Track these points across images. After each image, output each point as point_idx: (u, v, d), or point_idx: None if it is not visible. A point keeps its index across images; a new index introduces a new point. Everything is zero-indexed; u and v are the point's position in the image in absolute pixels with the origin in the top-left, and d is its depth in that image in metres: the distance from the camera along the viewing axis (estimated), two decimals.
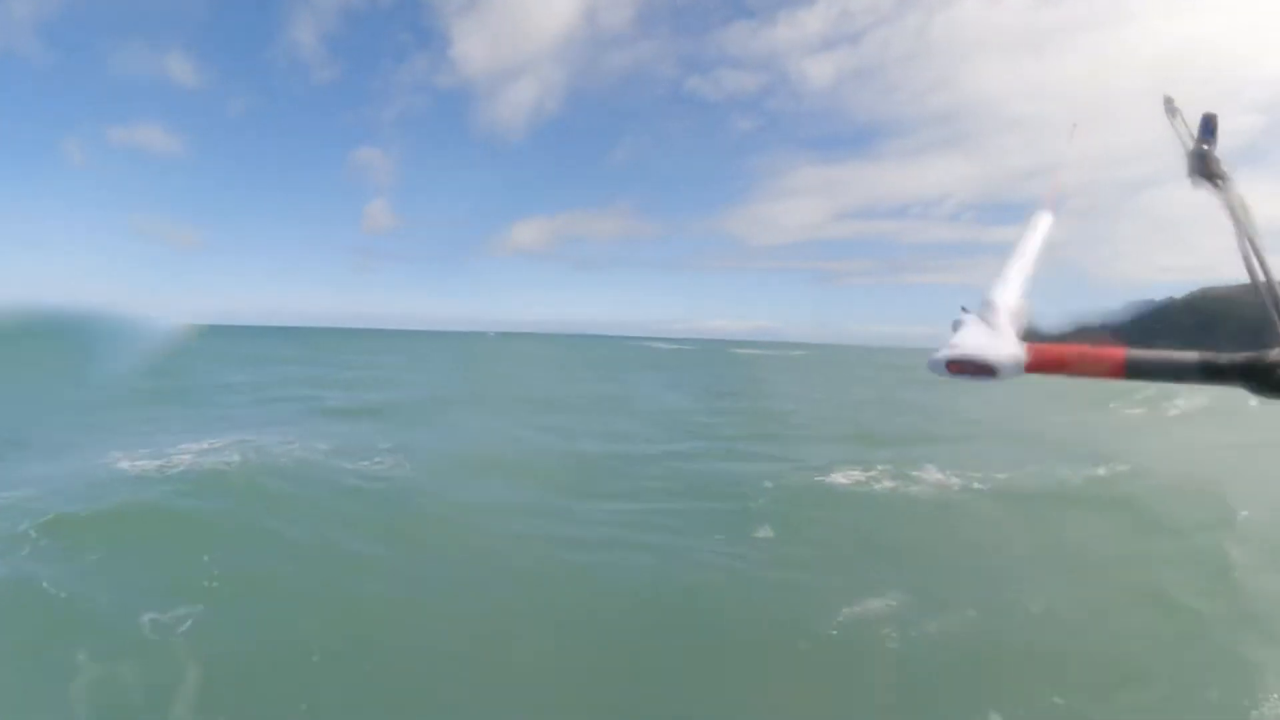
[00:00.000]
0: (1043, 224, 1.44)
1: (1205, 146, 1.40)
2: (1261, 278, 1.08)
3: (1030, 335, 1.10)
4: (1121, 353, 0.97)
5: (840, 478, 10.17)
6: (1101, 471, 10.60)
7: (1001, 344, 1.03)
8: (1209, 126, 1.42)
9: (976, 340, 1.05)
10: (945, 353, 1.04)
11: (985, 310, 1.11)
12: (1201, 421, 15.64)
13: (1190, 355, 0.93)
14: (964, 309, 1.13)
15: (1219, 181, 1.32)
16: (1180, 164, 1.41)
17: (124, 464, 9.07)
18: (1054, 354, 1.02)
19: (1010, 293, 1.16)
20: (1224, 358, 0.92)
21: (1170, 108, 1.56)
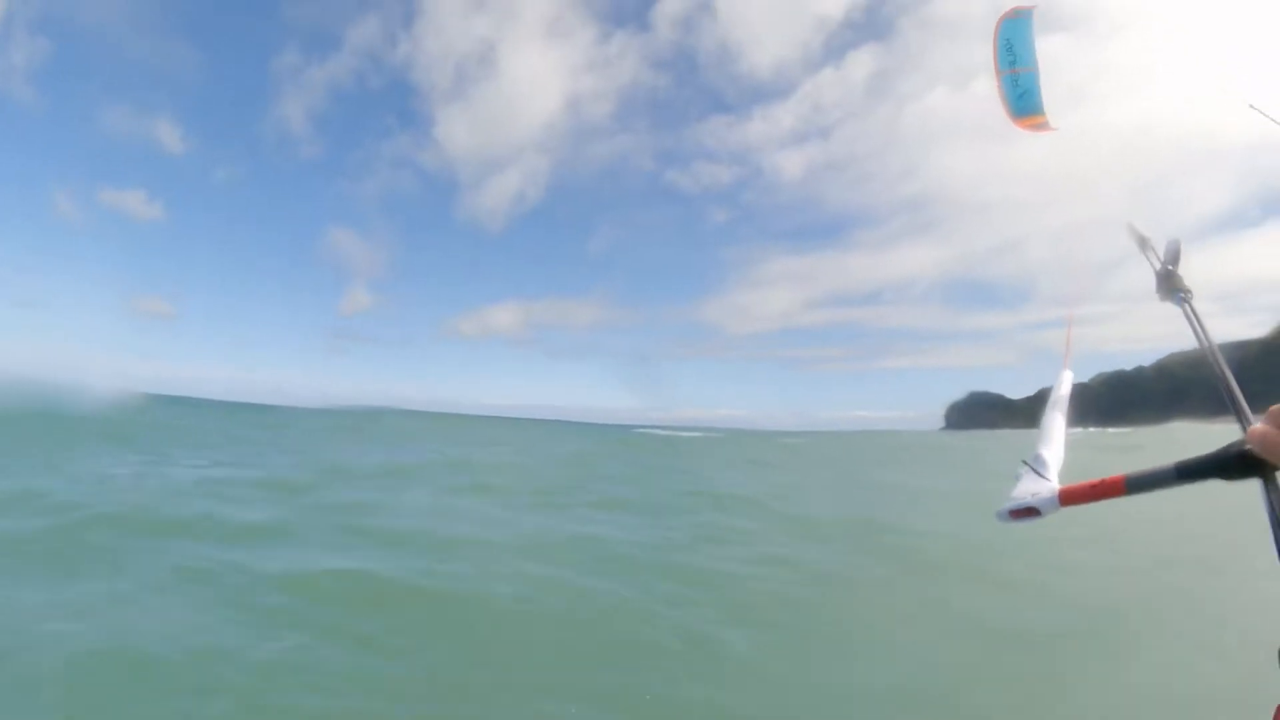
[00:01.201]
0: (1066, 381, 1.72)
1: (1171, 268, 1.67)
2: (1221, 378, 1.30)
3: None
4: (1122, 478, 1.21)
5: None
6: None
7: (1042, 490, 1.32)
8: (1173, 251, 1.70)
9: (1026, 490, 1.35)
10: (1007, 505, 1.35)
11: (1035, 462, 1.41)
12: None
13: (1169, 466, 1.15)
14: (1023, 461, 1.43)
15: (1183, 297, 1.58)
16: (1150, 282, 1.70)
17: None
18: (1078, 490, 1.26)
19: (1051, 444, 1.46)
20: (1193, 461, 1.13)
21: (1139, 237, 1.84)
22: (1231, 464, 1.09)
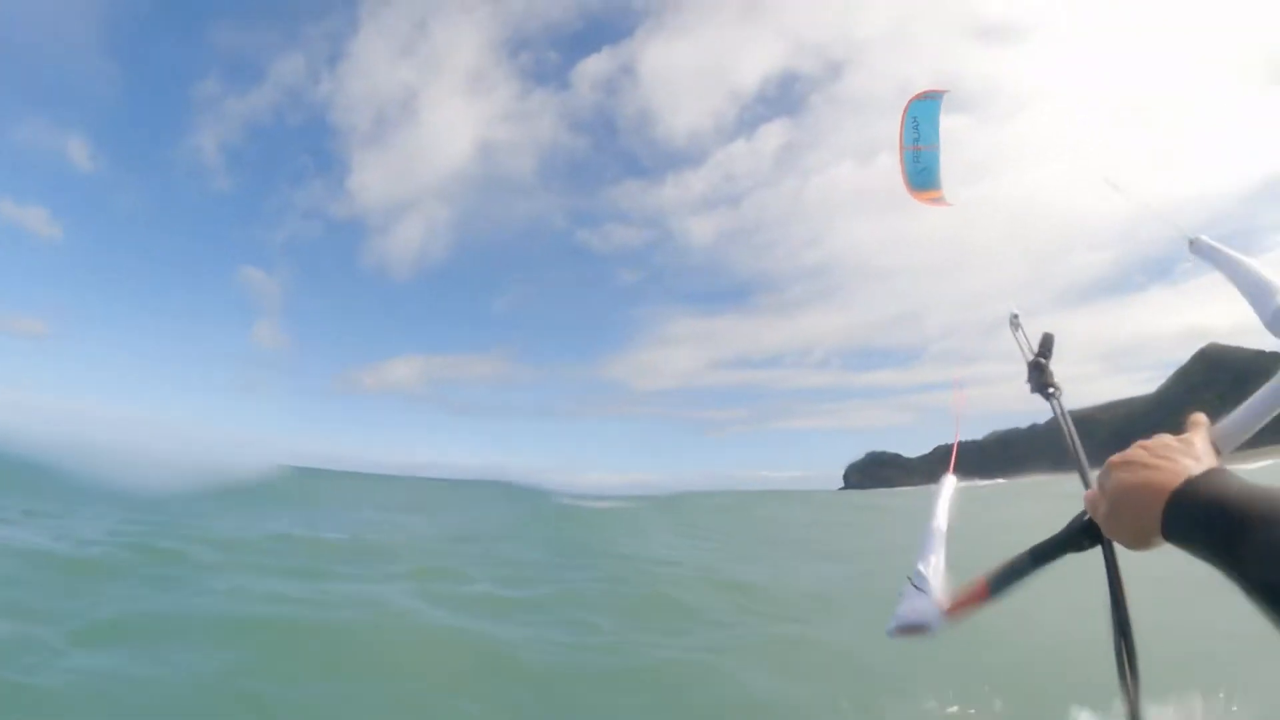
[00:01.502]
0: (948, 486, 1.64)
1: (1043, 361, 1.72)
2: (1074, 457, 1.38)
3: None
4: (983, 579, 1.23)
5: None
6: None
7: (926, 607, 1.31)
8: (1046, 345, 1.74)
9: (910, 608, 1.33)
10: (892, 624, 1.34)
11: (917, 579, 1.37)
12: None
13: (1024, 554, 1.19)
14: (909, 578, 1.39)
15: (1052, 391, 1.65)
16: (1021, 371, 1.75)
17: None
18: (957, 602, 1.28)
19: (932, 558, 1.42)
20: (1045, 543, 1.17)
21: (1015, 322, 1.88)
22: (1077, 535, 1.12)
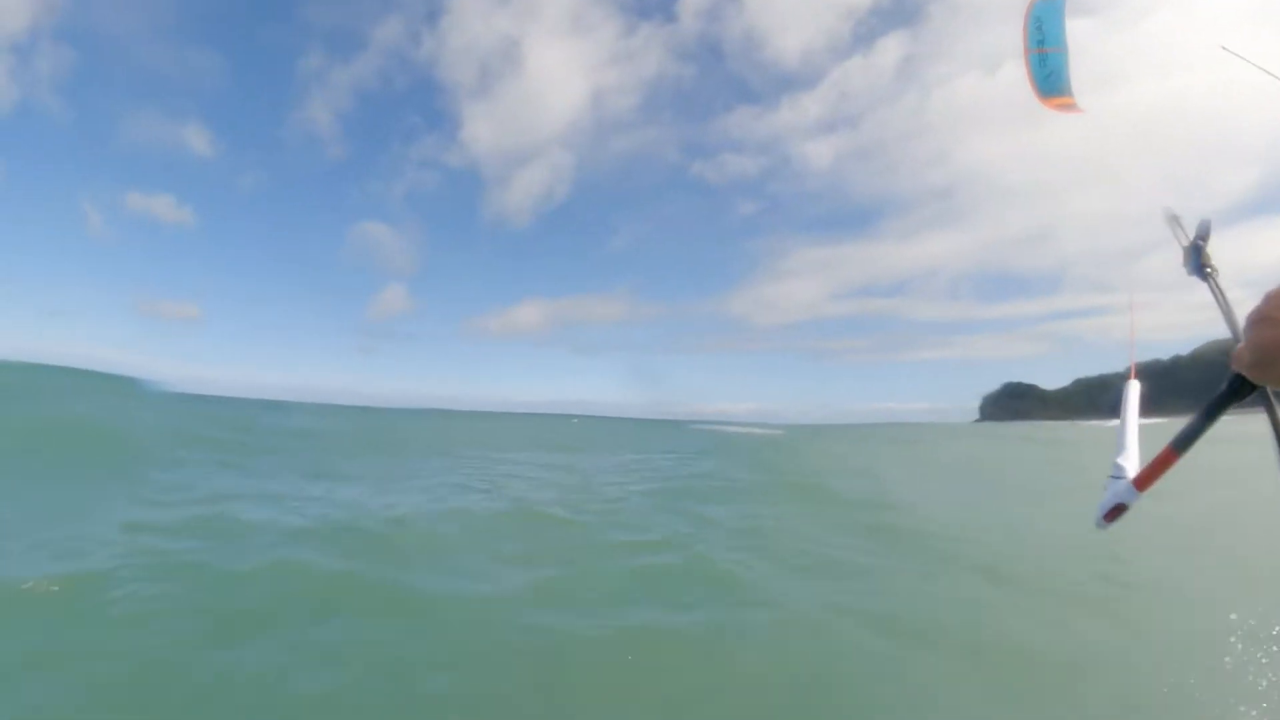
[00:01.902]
0: (1133, 393, 1.84)
1: (1200, 243, 1.75)
2: (1233, 330, 1.41)
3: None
4: (1169, 446, 1.36)
5: None
6: None
7: (1121, 488, 1.50)
8: (1204, 229, 1.78)
9: (1109, 494, 1.51)
10: (1097, 513, 1.51)
11: (1116, 471, 1.56)
12: None
13: (1197, 414, 1.32)
14: (1110, 475, 1.57)
15: (1209, 271, 1.69)
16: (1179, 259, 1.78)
17: None
18: (1146, 473, 1.44)
19: (1126, 452, 1.62)
20: (1211, 400, 1.28)
21: (1170, 216, 1.91)
22: (1235, 387, 1.22)
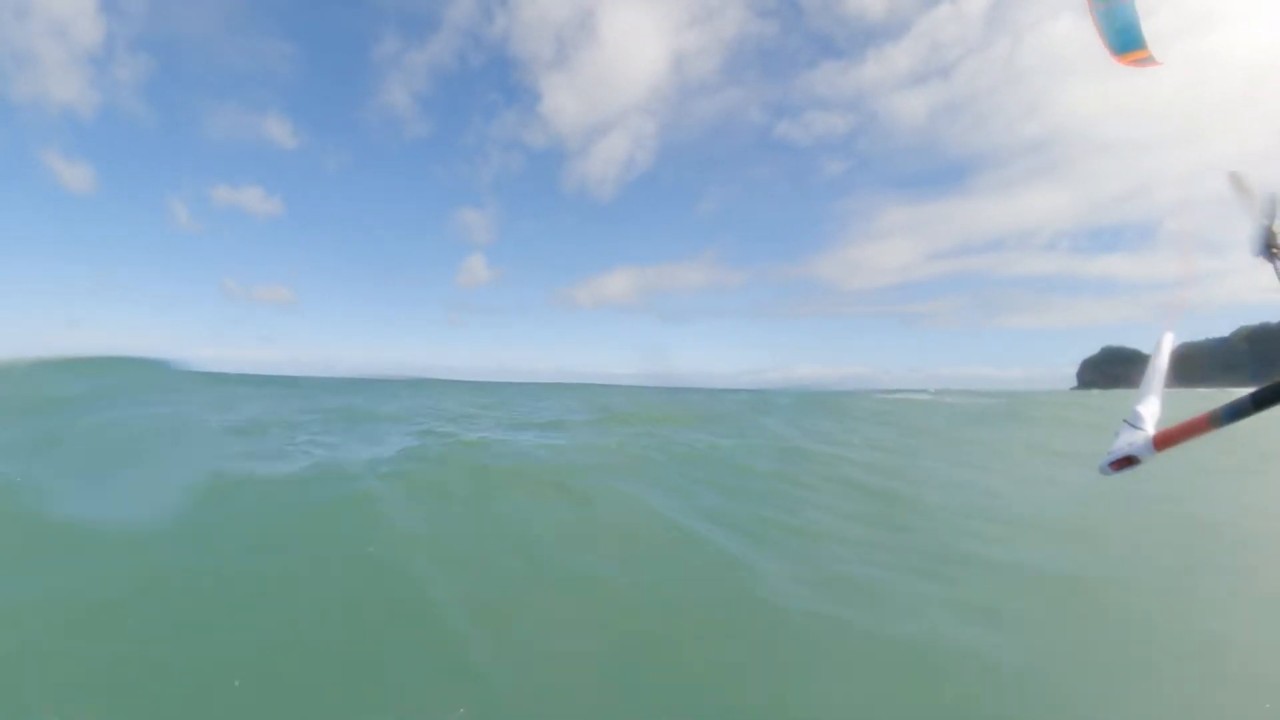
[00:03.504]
0: (1167, 342, 1.80)
1: (1266, 224, 1.66)
2: None
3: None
4: (1205, 415, 1.28)
5: None
6: None
7: (1137, 439, 1.45)
8: (1273, 206, 1.67)
9: (1123, 442, 1.48)
10: (1106, 459, 1.47)
11: (1134, 419, 1.53)
12: None
13: (1245, 397, 1.23)
14: (1125, 420, 1.54)
15: (1276, 251, 1.61)
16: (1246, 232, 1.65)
17: None
18: (1171, 432, 1.38)
19: (1147, 401, 1.57)
20: (1265, 388, 1.19)
21: (1237, 181, 1.78)
22: None
